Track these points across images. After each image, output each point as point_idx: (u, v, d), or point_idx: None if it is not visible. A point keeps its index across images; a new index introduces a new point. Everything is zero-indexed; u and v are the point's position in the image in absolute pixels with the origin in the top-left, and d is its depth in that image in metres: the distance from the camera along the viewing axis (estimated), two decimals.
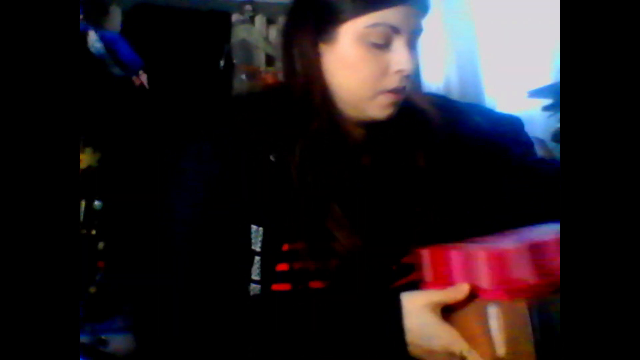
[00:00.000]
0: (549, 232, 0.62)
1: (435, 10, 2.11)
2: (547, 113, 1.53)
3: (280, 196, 0.70)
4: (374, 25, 0.68)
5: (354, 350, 0.65)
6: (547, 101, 1.53)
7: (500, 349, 0.57)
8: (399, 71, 0.70)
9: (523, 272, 0.58)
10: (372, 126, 0.75)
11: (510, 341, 0.57)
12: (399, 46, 0.70)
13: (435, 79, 2.08)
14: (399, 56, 0.70)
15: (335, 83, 0.72)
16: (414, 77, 0.75)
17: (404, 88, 0.72)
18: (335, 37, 0.70)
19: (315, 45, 0.72)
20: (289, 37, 0.75)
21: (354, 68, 0.71)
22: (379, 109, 0.72)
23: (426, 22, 0.76)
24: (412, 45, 0.72)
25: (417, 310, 0.63)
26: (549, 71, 1.57)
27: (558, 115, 1.46)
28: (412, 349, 0.63)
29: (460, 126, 0.82)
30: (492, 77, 1.87)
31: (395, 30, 0.69)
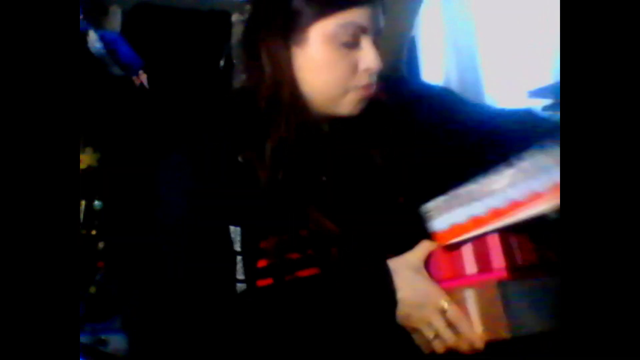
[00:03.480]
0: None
1: (435, 10, 2.11)
2: (547, 113, 1.53)
3: (252, 195, 0.73)
4: (344, 25, 0.70)
5: (347, 321, 0.69)
6: (547, 101, 1.53)
7: (478, 328, 0.65)
8: (367, 69, 0.73)
9: (524, 253, 0.66)
10: (337, 121, 0.77)
11: (486, 319, 0.64)
12: (366, 45, 0.72)
13: (435, 78, 2.08)
14: (367, 55, 0.72)
15: (306, 83, 0.74)
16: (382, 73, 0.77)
17: (371, 85, 0.75)
18: (305, 38, 0.72)
19: (286, 47, 0.73)
20: (254, 37, 0.75)
21: (325, 68, 0.73)
22: (349, 106, 0.75)
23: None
24: (376, 44, 0.74)
25: (405, 268, 0.69)
26: (549, 71, 1.57)
27: (558, 115, 1.46)
28: (402, 308, 0.67)
29: (428, 110, 0.83)
30: (492, 77, 1.86)
31: (363, 29, 0.71)
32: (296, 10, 0.71)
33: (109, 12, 2.07)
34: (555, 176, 0.61)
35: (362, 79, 0.73)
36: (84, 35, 1.74)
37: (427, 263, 0.70)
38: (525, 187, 0.63)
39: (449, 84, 2.02)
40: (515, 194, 0.63)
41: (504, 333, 0.62)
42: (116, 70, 1.85)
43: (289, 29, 0.72)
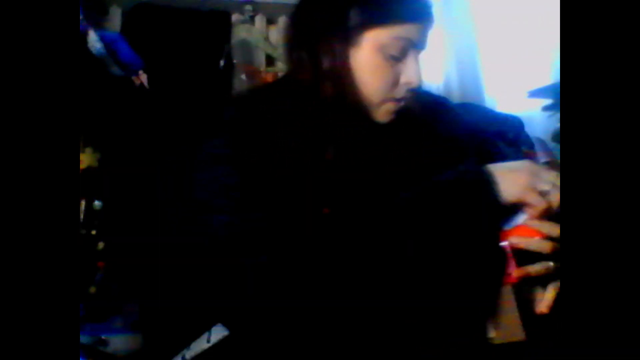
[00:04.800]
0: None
1: (435, 10, 2.11)
2: (547, 113, 1.53)
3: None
4: (397, 37, 0.72)
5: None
6: (547, 101, 1.53)
7: (491, 332, 0.65)
8: (408, 83, 0.74)
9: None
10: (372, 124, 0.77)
11: (500, 322, 0.65)
12: (411, 60, 0.74)
13: (435, 79, 2.08)
14: (410, 70, 0.74)
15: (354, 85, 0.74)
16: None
17: (407, 98, 0.75)
18: (358, 42, 0.73)
19: (345, 47, 0.74)
20: (311, 35, 0.75)
21: (370, 74, 0.74)
22: (382, 115, 0.76)
23: None
24: (419, 59, 0.75)
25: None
26: (549, 71, 1.57)
27: (558, 115, 1.46)
28: (501, 180, 0.65)
29: (448, 124, 0.83)
30: (492, 77, 1.86)
31: (412, 45, 0.73)
32: (354, 15, 0.72)
33: (109, 12, 2.07)
34: (522, 219, 0.66)
35: (401, 92, 0.75)
36: (84, 35, 1.74)
37: None
38: None
39: (449, 84, 2.02)
40: None
41: (518, 335, 0.63)
42: (116, 70, 1.85)
43: (346, 30, 0.73)
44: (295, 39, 0.79)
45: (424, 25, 0.74)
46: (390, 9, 0.72)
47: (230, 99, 0.81)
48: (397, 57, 0.73)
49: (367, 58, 0.73)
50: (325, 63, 0.74)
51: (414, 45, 0.73)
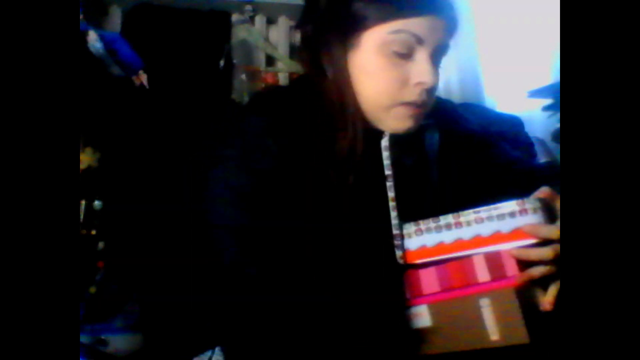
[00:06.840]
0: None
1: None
2: (547, 113, 1.53)
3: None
4: (397, 31, 0.67)
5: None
6: (547, 101, 1.53)
7: (494, 335, 0.64)
8: (419, 83, 0.69)
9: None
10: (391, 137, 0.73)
11: (504, 326, 0.64)
12: (421, 58, 0.68)
13: None
14: (420, 68, 0.68)
15: (357, 91, 0.71)
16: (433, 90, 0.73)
17: (424, 102, 0.70)
18: (359, 44, 0.69)
19: (344, 52, 0.71)
20: (315, 42, 0.73)
21: (373, 76, 0.69)
22: (396, 120, 0.71)
23: None
24: (435, 60, 0.70)
25: None
26: (549, 71, 1.57)
27: (558, 115, 1.46)
28: None
29: (455, 127, 0.82)
30: (492, 77, 1.86)
31: (418, 40, 0.68)
32: (352, 15, 0.69)
33: (109, 12, 2.07)
34: (519, 222, 0.65)
35: (413, 94, 0.70)
36: (84, 35, 1.74)
37: (435, 273, 0.70)
38: (492, 227, 0.67)
39: (449, 84, 2.02)
40: (482, 230, 0.67)
41: (522, 339, 0.63)
42: (116, 70, 1.85)
43: (346, 34, 0.70)
44: (302, 46, 0.77)
45: (431, 18, 0.68)
46: (387, 3, 0.68)
47: (251, 101, 0.79)
48: (402, 54, 0.68)
49: (369, 59, 0.69)
50: (331, 72, 0.71)
51: (420, 40, 0.68)
